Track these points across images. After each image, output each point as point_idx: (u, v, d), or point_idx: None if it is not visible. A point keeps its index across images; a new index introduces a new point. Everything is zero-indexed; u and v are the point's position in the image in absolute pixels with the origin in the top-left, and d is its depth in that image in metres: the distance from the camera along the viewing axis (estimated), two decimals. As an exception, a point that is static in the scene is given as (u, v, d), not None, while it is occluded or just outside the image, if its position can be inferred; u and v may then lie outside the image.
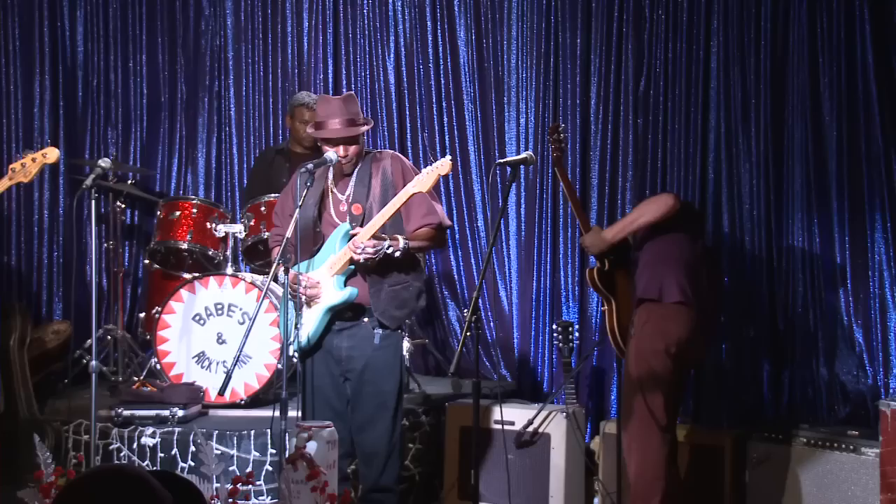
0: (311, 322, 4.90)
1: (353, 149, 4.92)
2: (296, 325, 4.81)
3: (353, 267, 4.87)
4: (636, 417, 5.15)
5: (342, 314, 4.94)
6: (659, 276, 5.23)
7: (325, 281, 4.89)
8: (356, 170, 4.99)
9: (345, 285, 4.89)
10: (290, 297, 4.85)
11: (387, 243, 4.77)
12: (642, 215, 5.31)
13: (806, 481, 5.40)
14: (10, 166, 5.33)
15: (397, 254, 4.80)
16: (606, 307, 5.41)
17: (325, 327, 4.95)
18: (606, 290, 5.41)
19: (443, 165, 4.80)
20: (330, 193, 5.03)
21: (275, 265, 4.82)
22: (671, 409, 5.20)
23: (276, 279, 4.91)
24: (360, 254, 4.73)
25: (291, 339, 4.85)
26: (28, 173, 5.28)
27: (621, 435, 5.29)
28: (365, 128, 5.02)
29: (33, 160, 5.27)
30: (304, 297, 4.86)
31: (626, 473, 5.72)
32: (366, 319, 4.93)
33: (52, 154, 5.31)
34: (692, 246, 5.41)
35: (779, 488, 5.51)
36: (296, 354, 4.98)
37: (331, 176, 5.04)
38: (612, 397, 6.54)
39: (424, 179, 4.79)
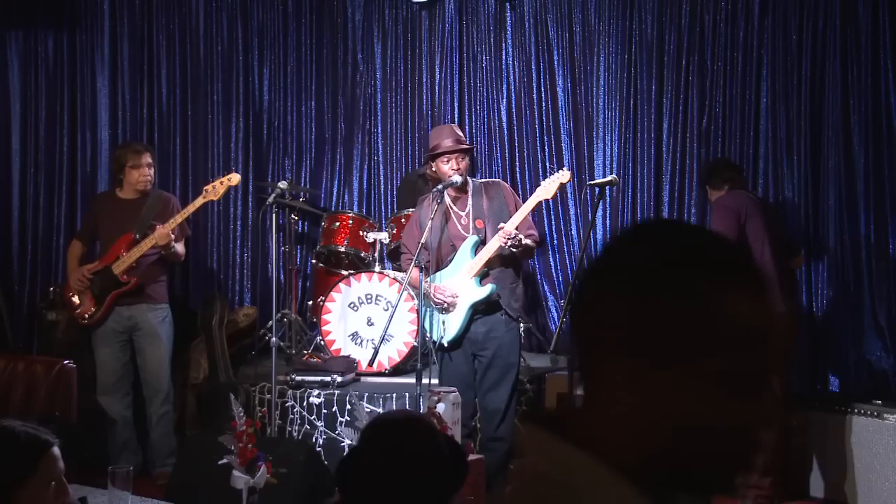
0: (457, 320, 4.89)
1: (463, 162, 4.94)
2: (432, 324, 4.80)
3: (486, 269, 4.89)
4: None
5: (480, 306, 4.94)
6: None
7: (466, 282, 4.90)
8: (471, 193, 5.01)
9: (481, 284, 4.92)
10: (428, 304, 4.85)
11: (522, 236, 4.80)
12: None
13: (838, 443, 5.34)
14: (205, 188, 5.55)
15: (531, 243, 4.84)
16: None
17: (469, 321, 4.93)
18: None
19: (563, 175, 4.84)
20: (451, 212, 5.04)
21: (412, 266, 4.86)
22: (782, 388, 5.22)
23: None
24: (508, 241, 4.73)
25: (434, 336, 4.84)
26: (217, 193, 5.48)
27: None
28: (468, 146, 5.06)
29: (221, 183, 5.48)
30: (444, 305, 4.85)
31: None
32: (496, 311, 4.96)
33: (235, 178, 5.51)
34: (766, 219, 5.28)
35: (816, 449, 5.47)
36: (442, 345, 4.95)
37: (448, 200, 5.04)
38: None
39: (548, 187, 4.83)
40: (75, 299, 5.57)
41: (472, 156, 5.21)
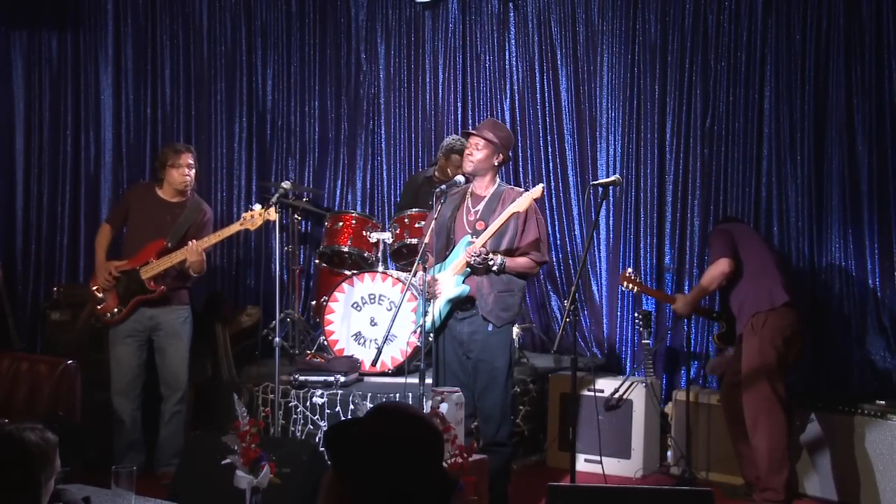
0: (435, 310, 4.91)
1: (478, 153, 4.89)
2: (424, 312, 4.81)
3: (469, 269, 4.87)
4: (760, 398, 5.15)
5: (463, 305, 4.91)
6: (763, 287, 5.23)
7: (449, 279, 4.89)
8: (490, 195, 4.96)
9: (462, 283, 4.88)
10: (424, 293, 4.85)
11: (490, 256, 4.77)
12: (710, 284, 5.38)
13: (842, 443, 5.33)
14: (243, 215, 5.52)
15: (495, 267, 4.78)
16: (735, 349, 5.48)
17: (448, 313, 4.94)
18: (729, 343, 5.59)
19: (535, 191, 4.81)
20: (464, 208, 5.02)
21: (416, 265, 4.88)
22: (786, 390, 5.24)
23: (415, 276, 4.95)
24: (472, 258, 4.76)
25: (421, 322, 4.86)
26: (255, 223, 5.45)
27: (744, 412, 5.27)
28: (498, 145, 4.91)
29: (259, 214, 5.42)
30: (431, 292, 4.87)
31: (694, 432, 5.71)
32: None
33: (273, 214, 5.44)
34: (766, 242, 5.40)
35: (820, 449, 5.45)
36: (430, 335, 5.00)
37: (468, 194, 5.03)
38: (682, 371, 6.49)
39: (521, 202, 4.79)
40: (99, 294, 5.58)
41: (503, 163, 5.09)
